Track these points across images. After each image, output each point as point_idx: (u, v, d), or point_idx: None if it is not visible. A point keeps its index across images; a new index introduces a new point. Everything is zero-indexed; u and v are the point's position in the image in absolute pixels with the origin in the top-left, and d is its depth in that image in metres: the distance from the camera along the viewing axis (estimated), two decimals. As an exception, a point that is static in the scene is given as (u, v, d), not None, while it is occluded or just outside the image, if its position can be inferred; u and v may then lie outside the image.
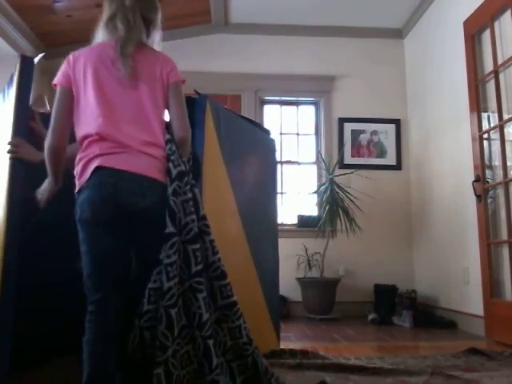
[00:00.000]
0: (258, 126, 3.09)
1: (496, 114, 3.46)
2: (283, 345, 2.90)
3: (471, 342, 3.13)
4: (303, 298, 4.60)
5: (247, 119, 2.89)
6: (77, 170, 1.54)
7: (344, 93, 5.21)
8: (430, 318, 4.17)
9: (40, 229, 1.86)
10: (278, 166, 4.69)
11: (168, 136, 1.59)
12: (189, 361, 1.52)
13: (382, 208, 4.92)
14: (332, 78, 5.22)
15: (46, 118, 1.72)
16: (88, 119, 1.54)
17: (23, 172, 1.72)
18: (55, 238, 1.94)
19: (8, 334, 1.59)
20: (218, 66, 5.03)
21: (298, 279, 4.65)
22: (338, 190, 4.63)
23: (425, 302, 4.49)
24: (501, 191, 3.46)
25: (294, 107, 5.40)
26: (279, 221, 3.37)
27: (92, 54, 1.62)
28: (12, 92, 1.80)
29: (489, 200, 3.57)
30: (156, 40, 1.74)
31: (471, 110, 3.72)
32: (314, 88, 5.23)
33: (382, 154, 5.16)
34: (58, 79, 1.59)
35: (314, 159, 5.30)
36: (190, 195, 1.58)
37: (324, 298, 4.50)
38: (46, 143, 1.54)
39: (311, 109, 5.40)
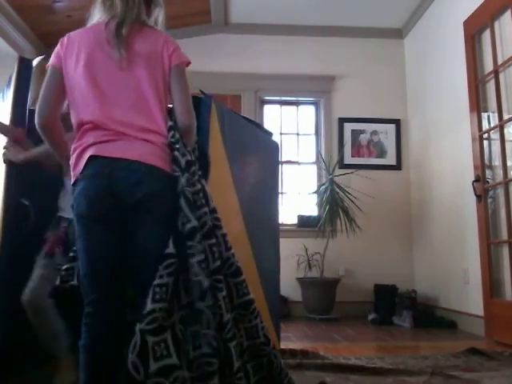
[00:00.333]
0: (260, 127, 3.09)
1: (496, 114, 3.46)
2: (283, 345, 2.90)
3: (471, 342, 3.13)
4: (303, 298, 4.60)
5: (249, 120, 2.89)
6: (71, 161, 1.45)
7: (344, 93, 5.20)
8: (430, 317, 4.17)
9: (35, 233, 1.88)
10: (279, 166, 4.69)
11: (171, 123, 1.49)
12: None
13: (382, 208, 4.91)
14: (332, 78, 5.22)
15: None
16: (81, 106, 1.46)
17: (14, 175, 1.74)
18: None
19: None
20: (218, 66, 5.03)
21: (298, 279, 4.65)
22: (338, 190, 4.63)
23: (425, 302, 4.49)
24: (501, 191, 3.46)
25: (294, 107, 5.40)
26: (279, 221, 3.37)
27: (87, 36, 1.52)
28: (10, 93, 1.80)
29: (489, 200, 3.57)
30: (159, 20, 1.62)
31: (471, 110, 3.72)
32: (313, 88, 5.23)
33: (382, 153, 5.16)
34: (50, 60, 1.52)
35: (314, 159, 5.30)
36: (199, 186, 1.48)
37: (324, 298, 4.50)
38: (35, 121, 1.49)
39: (311, 109, 5.40)
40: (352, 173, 4.73)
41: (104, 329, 1.38)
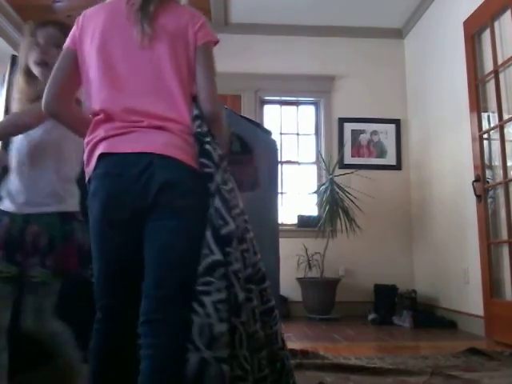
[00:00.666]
0: (259, 126, 3.09)
1: (496, 114, 3.46)
2: (283, 345, 2.89)
3: (471, 342, 3.13)
4: (303, 298, 4.60)
5: (249, 120, 2.90)
6: (84, 156, 1.32)
7: (344, 93, 5.20)
8: (430, 318, 4.17)
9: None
10: (279, 166, 4.69)
11: (196, 111, 1.30)
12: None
13: (381, 208, 4.91)
14: (332, 78, 5.22)
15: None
16: (94, 93, 1.31)
17: None
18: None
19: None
20: (217, 66, 5.01)
21: (298, 279, 4.65)
22: (338, 190, 4.63)
23: (425, 301, 4.49)
24: (501, 191, 3.46)
25: (294, 107, 5.39)
26: (279, 221, 3.37)
27: (104, 12, 1.35)
28: (3, 91, 1.81)
29: (489, 200, 3.57)
30: None
31: (471, 110, 3.72)
32: (313, 88, 5.23)
33: (382, 153, 5.16)
34: (66, 42, 1.38)
35: (314, 159, 5.30)
36: (231, 185, 1.33)
37: (324, 298, 4.50)
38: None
39: (311, 109, 5.40)
40: (352, 173, 4.73)
41: (114, 336, 1.27)
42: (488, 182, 3.57)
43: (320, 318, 4.39)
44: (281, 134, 5.31)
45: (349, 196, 4.62)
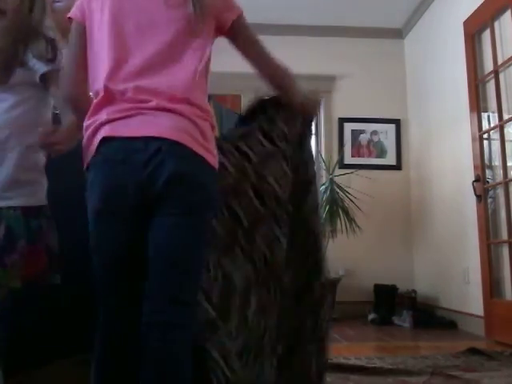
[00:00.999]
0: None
1: (496, 114, 3.46)
2: (283, 345, 2.90)
3: (471, 342, 3.13)
4: (303, 298, 4.60)
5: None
6: (84, 142, 1.19)
7: (344, 93, 5.20)
8: (430, 317, 4.17)
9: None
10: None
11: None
12: None
13: (382, 208, 4.91)
14: (332, 78, 5.22)
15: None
16: (98, 70, 1.18)
17: None
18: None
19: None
20: (217, 66, 5.00)
21: (298, 279, 4.65)
22: (338, 190, 4.63)
23: (425, 301, 4.49)
24: (501, 191, 3.46)
25: (294, 107, 5.38)
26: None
27: None
28: None
29: (489, 200, 3.57)
30: None
31: (471, 110, 3.72)
32: (313, 88, 5.22)
33: (382, 153, 5.16)
34: (72, 11, 1.25)
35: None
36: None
37: (324, 298, 4.49)
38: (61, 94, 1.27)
39: (311, 109, 5.39)
40: (352, 173, 4.73)
41: (117, 340, 1.17)
42: (488, 181, 3.57)
43: (320, 318, 4.39)
44: (281, 133, 5.30)
45: (349, 196, 4.62)
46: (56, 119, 1.47)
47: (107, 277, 1.18)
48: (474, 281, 3.69)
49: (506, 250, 3.33)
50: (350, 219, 4.54)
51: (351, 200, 4.61)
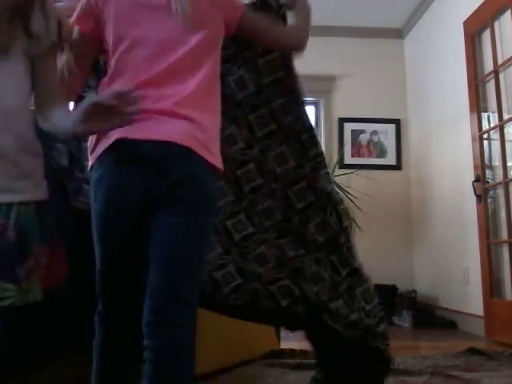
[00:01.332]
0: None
1: (496, 114, 3.46)
2: (283, 345, 2.90)
3: (471, 342, 3.13)
4: (303, 298, 4.60)
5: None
6: (90, 142, 1.21)
7: (344, 93, 5.20)
8: (430, 318, 4.17)
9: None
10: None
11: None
12: None
13: (382, 208, 4.91)
14: (332, 78, 5.22)
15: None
16: (114, 71, 1.22)
17: None
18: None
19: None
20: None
21: (298, 279, 4.65)
22: (338, 190, 4.62)
23: (425, 301, 4.49)
24: (501, 191, 3.46)
25: (294, 107, 5.38)
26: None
27: None
28: None
29: (489, 200, 3.57)
30: None
31: (471, 110, 3.72)
32: (314, 88, 5.22)
33: (382, 153, 5.16)
34: (77, 17, 1.29)
35: (314, 159, 5.30)
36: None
37: (324, 298, 4.50)
38: None
39: (311, 109, 5.40)
40: (352, 173, 4.73)
41: (117, 328, 1.20)
42: (488, 181, 3.57)
43: (320, 318, 4.39)
44: (281, 133, 5.30)
45: (349, 196, 4.61)
46: None
47: (109, 274, 1.20)
48: (473, 281, 3.69)
49: (506, 250, 3.33)
50: (350, 219, 4.53)
51: (351, 200, 4.60)
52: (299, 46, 1.45)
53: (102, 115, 1.02)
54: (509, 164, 3.36)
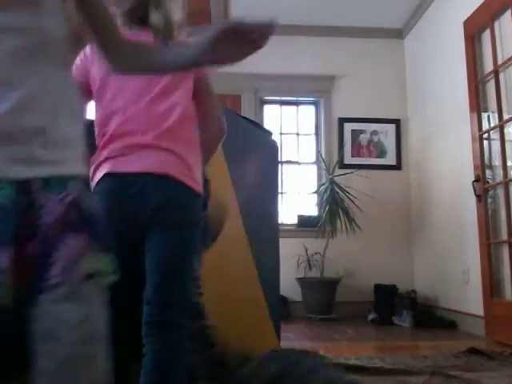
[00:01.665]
0: (259, 127, 3.09)
1: (496, 114, 3.46)
2: (283, 345, 2.90)
3: (471, 342, 3.13)
4: (303, 298, 4.60)
5: (248, 120, 2.89)
6: (90, 173, 1.36)
7: (344, 93, 5.20)
8: (430, 318, 4.17)
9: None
10: (279, 166, 4.70)
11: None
12: None
13: (381, 208, 4.91)
14: (332, 78, 5.22)
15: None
16: (104, 117, 1.36)
17: None
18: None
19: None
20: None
21: (298, 279, 4.65)
22: (338, 190, 4.63)
23: (425, 302, 4.49)
24: (501, 191, 3.46)
25: (294, 107, 5.39)
26: (279, 221, 3.38)
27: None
28: None
29: (489, 200, 3.57)
30: None
31: (471, 110, 3.72)
32: (313, 88, 5.23)
33: (381, 154, 5.16)
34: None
35: (313, 159, 5.30)
36: None
37: (324, 298, 4.50)
38: None
39: (311, 109, 5.40)
40: (352, 173, 4.74)
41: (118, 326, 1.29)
42: (488, 182, 3.57)
43: (320, 318, 4.39)
44: (281, 134, 5.30)
45: (349, 196, 4.62)
46: None
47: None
48: (473, 281, 3.69)
49: (506, 250, 3.33)
50: (350, 219, 4.54)
51: (351, 200, 4.61)
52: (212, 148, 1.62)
53: (229, 45, 0.93)
54: (509, 164, 3.36)
